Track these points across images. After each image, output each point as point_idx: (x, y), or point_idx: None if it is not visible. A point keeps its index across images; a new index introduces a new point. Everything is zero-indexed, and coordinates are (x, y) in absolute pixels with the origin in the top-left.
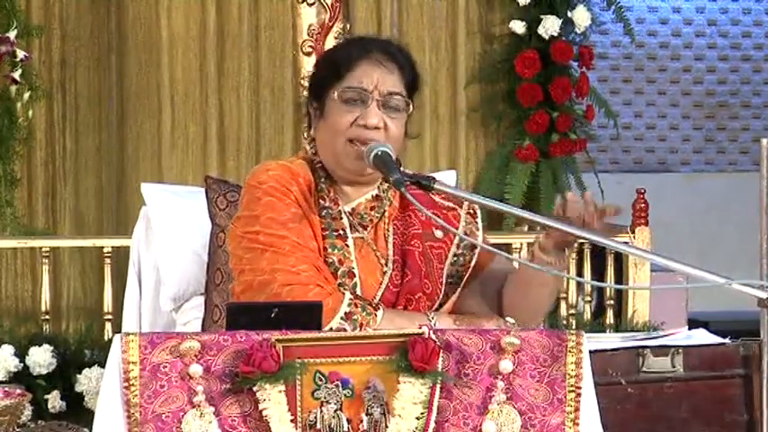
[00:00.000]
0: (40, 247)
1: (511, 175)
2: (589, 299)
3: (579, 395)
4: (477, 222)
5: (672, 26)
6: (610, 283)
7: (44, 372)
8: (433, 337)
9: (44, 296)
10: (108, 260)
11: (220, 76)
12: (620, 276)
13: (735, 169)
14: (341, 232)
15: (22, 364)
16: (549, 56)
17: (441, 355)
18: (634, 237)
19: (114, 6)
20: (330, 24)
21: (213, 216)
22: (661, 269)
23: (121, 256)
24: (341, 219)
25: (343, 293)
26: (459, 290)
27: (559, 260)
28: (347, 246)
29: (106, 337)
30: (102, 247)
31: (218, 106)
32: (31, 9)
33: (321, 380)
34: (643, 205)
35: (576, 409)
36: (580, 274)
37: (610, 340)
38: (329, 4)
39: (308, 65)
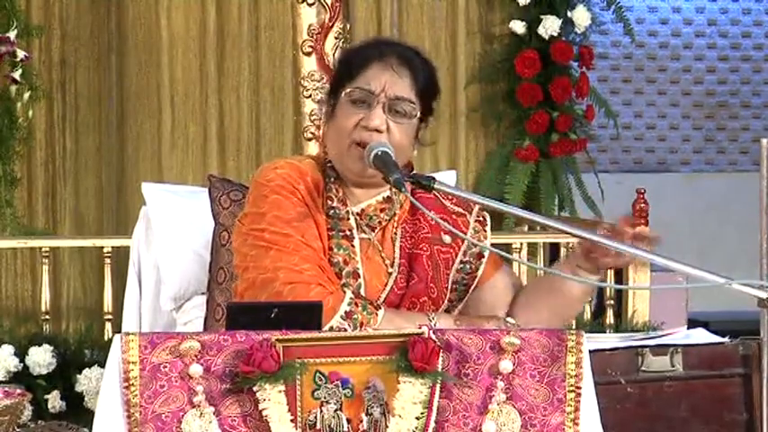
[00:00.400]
0: (40, 247)
1: (511, 175)
2: (589, 299)
3: (579, 395)
4: (486, 231)
5: (672, 26)
6: (610, 283)
7: (44, 372)
8: (433, 337)
9: (44, 296)
10: (108, 260)
11: (220, 76)
12: (620, 276)
13: (735, 169)
14: (347, 233)
15: (22, 364)
16: (549, 56)
17: (441, 355)
18: None
19: (114, 6)
20: (330, 24)
21: (216, 215)
22: (661, 269)
23: (121, 256)
24: (348, 219)
25: (344, 293)
26: (465, 299)
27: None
28: (353, 246)
29: (106, 337)
30: (102, 247)
31: (218, 106)
32: (31, 9)
33: (321, 380)
34: (643, 205)
35: (576, 409)
36: None
37: (609, 340)
38: (329, 4)
39: (308, 65)
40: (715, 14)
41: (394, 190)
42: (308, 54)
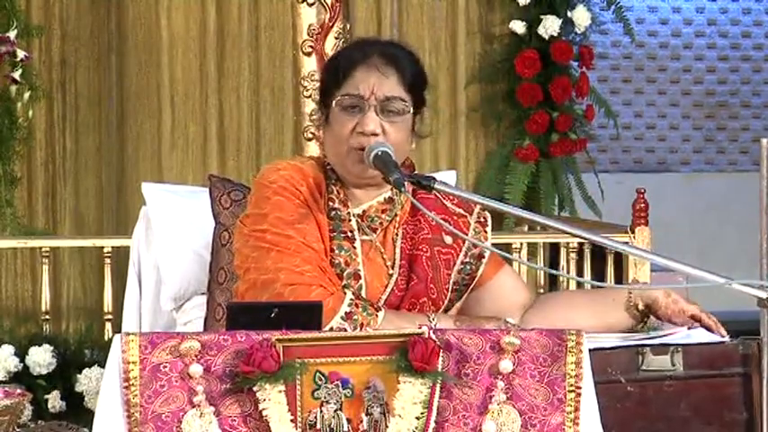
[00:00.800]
0: (40, 247)
1: (511, 175)
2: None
3: (579, 395)
4: (486, 231)
5: (672, 26)
6: (610, 283)
7: (44, 372)
8: (433, 337)
9: (44, 296)
10: (108, 260)
11: (220, 76)
12: (621, 276)
13: (735, 169)
14: (348, 234)
15: (22, 364)
16: (549, 56)
17: (441, 355)
18: (634, 237)
19: (114, 6)
20: (330, 24)
21: (217, 214)
22: (661, 269)
23: (121, 256)
24: (349, 221)
25: (345, 294)
26: (463, 297)
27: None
28: (354, 248)
29: (106, 337)
30: (102, 247)
31: (218, 106)
32: (31, 9)
33: (321, 380)
34: (643, 205)
35: (576, 409)
36: (580, 274)
37: (609, 339)
38: (329, 4)
39: (308, 65)
40: (715, 14)
41: (395, 191)
42: (308, 54)
